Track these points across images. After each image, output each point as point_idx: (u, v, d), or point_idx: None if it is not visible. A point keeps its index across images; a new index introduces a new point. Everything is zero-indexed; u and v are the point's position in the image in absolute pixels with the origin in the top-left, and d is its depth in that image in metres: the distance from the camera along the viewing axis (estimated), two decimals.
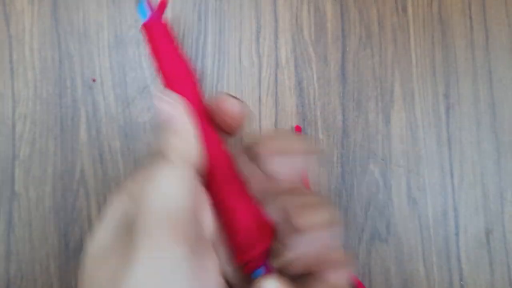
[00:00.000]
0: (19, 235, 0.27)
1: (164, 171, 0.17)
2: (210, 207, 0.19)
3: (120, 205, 0.19)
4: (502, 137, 0.29)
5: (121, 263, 0.16)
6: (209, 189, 0.19)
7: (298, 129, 0.28)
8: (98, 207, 0.28)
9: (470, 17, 0.30)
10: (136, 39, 0.29)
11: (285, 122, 0.29)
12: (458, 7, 0.30)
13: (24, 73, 0.29)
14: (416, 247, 0.28)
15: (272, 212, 0.19)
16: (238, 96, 0.20)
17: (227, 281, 0.19)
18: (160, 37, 0.21)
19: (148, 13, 0.21)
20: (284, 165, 0.19)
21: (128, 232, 0.17)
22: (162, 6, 0.21)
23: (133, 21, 0.29)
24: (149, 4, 0.21)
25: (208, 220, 0.18)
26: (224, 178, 0.19)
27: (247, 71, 0.29)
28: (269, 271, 0.18)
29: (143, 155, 0.28)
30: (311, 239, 0.18)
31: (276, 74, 0.29)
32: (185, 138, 0.19)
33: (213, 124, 0.20)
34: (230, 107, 0.19)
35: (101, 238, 0.17)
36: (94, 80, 0.29)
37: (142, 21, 0.21)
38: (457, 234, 0.28)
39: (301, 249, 0.18)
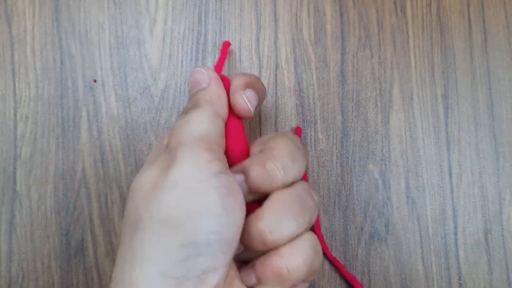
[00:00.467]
0: (20, 235, 0.28)
1: (196, 112, 0.20)
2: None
3: (160, 145, 0.21)
4: (501, 138, 0.30)
5: (163, 169, 0.18)
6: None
7: (298, 129, 0.29)
8: (99, 206, 0.28)
9: (469, 18, 0.31)
10: (137, 39, 0.29)
11: (285, 122, 0.29)
12: (457, 8, 0.31)
13: (26, 73, 0.29)
14: (415, 246, 0.28)
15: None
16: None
17: None
18: None
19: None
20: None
21: (168, 153, 0.19)
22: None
23: (134, 22, 0.29)
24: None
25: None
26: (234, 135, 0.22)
27: (247, 72, 0.29)
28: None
29: (145, 154, 0.29)
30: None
31: (276, 75, 0.30)
32: (215, 91, 0.21)
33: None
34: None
35: (144, 172, 0.19)
36: (95, 81, 0.29)
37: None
38: (455, 234, 0.29)
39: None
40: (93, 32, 0.29)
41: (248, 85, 0.22)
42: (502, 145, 0.29)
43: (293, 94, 0.29)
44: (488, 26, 0.31)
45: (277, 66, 0.30)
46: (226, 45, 0.26)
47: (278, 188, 0.20)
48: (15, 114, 0.28)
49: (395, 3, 0.30)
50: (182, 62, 0.29)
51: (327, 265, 0.28)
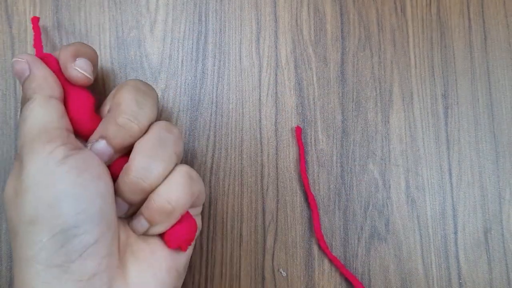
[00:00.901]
0: None
1: (28, 106, 0.20)
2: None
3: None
4: (500, 137, 0.30)
5: (17, 176, 0.19)
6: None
7: (298, 129, 0.29)
8: None
9: (469, 18, 0.31)
10: (137, 40, 0.29)
11: (285, 122, 0.29)
12: (457, 8, 0.31)
13: None
14: (415, 246, 0.28)
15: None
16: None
17: None
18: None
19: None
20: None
21: (17, 159, 0.20)
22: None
23: (134, 22, 0.29)
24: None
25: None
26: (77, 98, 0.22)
27: (247, 72, 0.30)
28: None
29: None
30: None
31: (276, 75, 0.30)
32: (38, 75, 0.21)
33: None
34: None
35: (7, 182, 0.20)
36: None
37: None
38: (455, 233, 0.29)
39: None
40: (93, 32, 0.29)
41: (76, 54, 0.22)
42: (502, 144, 0.30)
43: (293, 94, 0.29)
44: (488, 26, 0.31)
45: (277, 66, 0.30)
46: (35, 20, 0.25)
47: (139, 137, 0.21)
48: (16, 114, 0.28)
49: (395, 3, 0.31)
50: (182, 62, 0.29)
51: (327, 265, 0.28)
